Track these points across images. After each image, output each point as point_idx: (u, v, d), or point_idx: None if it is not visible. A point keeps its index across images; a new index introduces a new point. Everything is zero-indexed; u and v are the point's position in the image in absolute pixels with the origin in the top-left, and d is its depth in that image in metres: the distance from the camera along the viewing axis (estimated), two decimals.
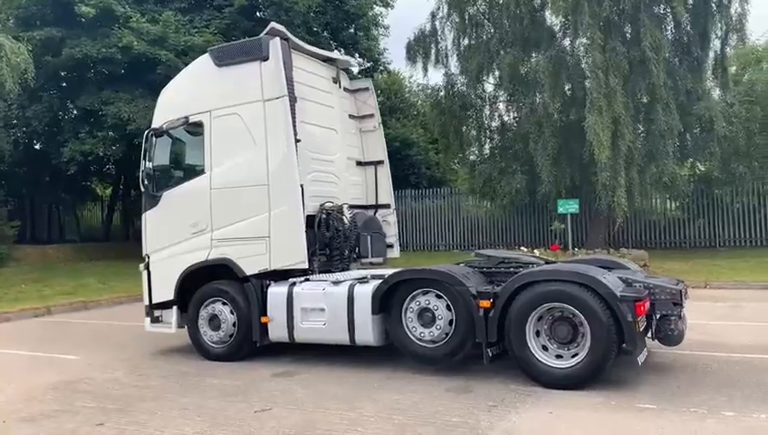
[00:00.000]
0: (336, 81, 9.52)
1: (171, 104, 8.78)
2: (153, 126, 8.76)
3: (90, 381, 7.36)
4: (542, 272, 6.62)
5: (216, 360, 8.13)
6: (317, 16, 22.56)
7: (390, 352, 7.50)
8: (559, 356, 6.41)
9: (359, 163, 9.87)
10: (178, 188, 8.63)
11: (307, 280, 7.92)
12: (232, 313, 8.14)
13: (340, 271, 8.63)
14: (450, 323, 6.89)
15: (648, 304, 6.29)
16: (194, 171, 8.63)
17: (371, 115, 10.00)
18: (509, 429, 5.26)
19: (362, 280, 7.52)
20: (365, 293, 7.31)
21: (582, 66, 18.63)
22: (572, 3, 16.94)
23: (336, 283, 7.61)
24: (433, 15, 23.81)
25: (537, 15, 20.14)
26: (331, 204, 8.71)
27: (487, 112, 23.14)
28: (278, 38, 8.05)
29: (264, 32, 8.35)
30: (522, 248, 18.12)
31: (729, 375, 6.65)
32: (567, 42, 19.06)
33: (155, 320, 8.78)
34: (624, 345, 6.19)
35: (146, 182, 8.68)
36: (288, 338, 7.75)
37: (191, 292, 8.48)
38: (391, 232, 9.86)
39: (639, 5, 17.47)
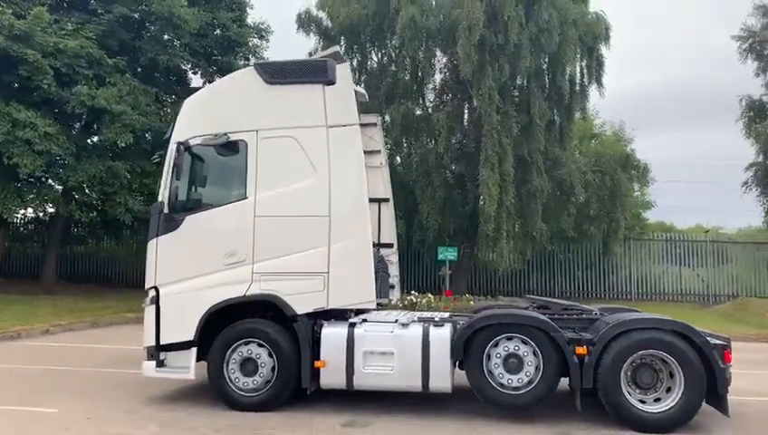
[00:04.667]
0: None
1: (204, 117, 7.72)
2: (177, 138, 7.60)
3: None
4: (638, 320, 6.94)
5: (245, 410, 7.15)
6: (195, 39, 21.27)
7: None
8: (642, 401, 6.76)
9: None
10: (209, 212, 7.56)
11: (365, 320, 7.39)
12: (270, 356, 7.28)
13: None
14: (536, 369, 6.91)
15: None
16: (231, 194, 7.65)
17: (378, 151, 9.69)
18: None
19: (437, 322, 7.23)
20: (443, 336, 7.04)
21: (474, 124, 19.88)
22: (477, 66, 18.11)
23: (405, 325, 7.20)
24: (310, 55, 23.85)
25: (433, 73, 21.15)
26: None
27: None
28: (347, 63, 7.62)
29: (325, 54, 7.86)
30: (413, 292, 18.50)
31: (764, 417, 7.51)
32: (465, 100, 20.23)
33: (160, 364, 7.48)
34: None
35: (170, 202, 7.49)
36: (345, 384, 7.10)
37: (211, 332, 7.44)
38: (394, 272, 9.57)
39: (531, 76, 19.26)
